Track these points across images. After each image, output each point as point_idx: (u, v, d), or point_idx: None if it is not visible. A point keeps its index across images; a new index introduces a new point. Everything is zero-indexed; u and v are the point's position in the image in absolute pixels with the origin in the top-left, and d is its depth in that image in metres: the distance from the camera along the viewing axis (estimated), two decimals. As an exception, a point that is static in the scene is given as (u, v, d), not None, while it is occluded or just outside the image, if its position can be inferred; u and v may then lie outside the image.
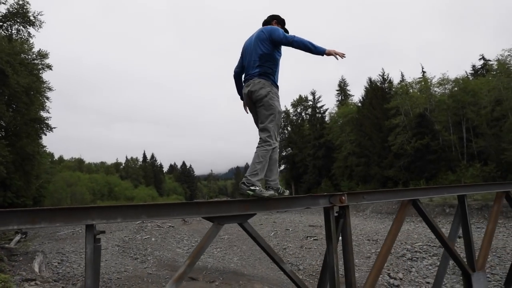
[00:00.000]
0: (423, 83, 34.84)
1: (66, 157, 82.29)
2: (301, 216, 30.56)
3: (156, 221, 27.91)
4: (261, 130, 3.46)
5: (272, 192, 3.10)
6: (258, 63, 3.49)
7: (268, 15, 3.98)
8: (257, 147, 3.40)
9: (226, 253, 14.80)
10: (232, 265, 12.50)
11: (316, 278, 9.97)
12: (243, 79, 3.76)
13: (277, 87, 3.62)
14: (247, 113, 3.87)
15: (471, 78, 34.64)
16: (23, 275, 8.32)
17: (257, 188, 3.02)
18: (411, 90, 35.59)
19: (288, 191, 3.69)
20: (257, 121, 3.67)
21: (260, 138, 3.44)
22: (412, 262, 11.73)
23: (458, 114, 31.06)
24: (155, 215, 2.25)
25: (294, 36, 3.39)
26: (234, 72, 3.90)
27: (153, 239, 19.80)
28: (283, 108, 54.70)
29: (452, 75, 34.24)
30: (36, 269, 9.14)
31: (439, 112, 32.19)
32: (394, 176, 31.90)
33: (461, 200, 3.68)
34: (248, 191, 2.99)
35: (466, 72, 37.69)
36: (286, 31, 3.89)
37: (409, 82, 36.18)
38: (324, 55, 3.34)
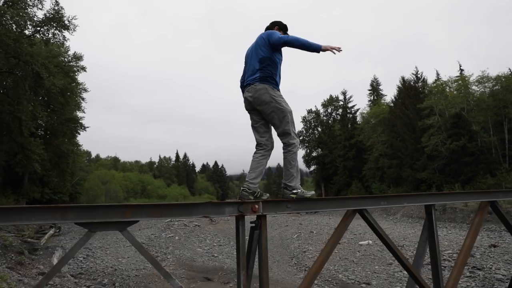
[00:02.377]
0: (460, 81, 33.00)
1: (103, 155, 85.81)
2: (329, 218, 29.94)
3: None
4: (281, 135, 3.48)
5: (312, 192, 3.28)
6: (258, 67, 3.49)
7: (271, 21, 3.98)
8: (284, 153, 3.45)
9: (245, 254, 14.66)
10: (248, 266, 12.33)
11: (332, 284, 9.59)
12: (244, 84, 3.73)
13: (279, 89, 3.60)
14: None
15: (514, 76, 32.39)
16: (41, 268, 8.61)
17: (299, 190, 3.22)
18: (447, 89, 33.85)
19: (313, 192, 3.57)
20: (254, 125, 3.65)
21: (283, 143, 3.47)
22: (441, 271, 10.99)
23: (500, 114, 29.17)
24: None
25: (289, 35, 3.41)
26: (240, 81, 3.87)
27: (176, 237, 20.05)
28: (313, 108, 54.89)
29: (493, 73, 32.10)
30: (55, 264, 9.41)
31: (477, 112, 30.37)
32: (428, 179, 30.44)
33: (429, 211, 3.23)
34: (291, 195, 3.19)
35: (509, 69, 35.31)
36: None
37: (444, 81, 34.39)
38: (321, 52, 3.31)
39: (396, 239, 16.65)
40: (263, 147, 3.55)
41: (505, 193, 3.76)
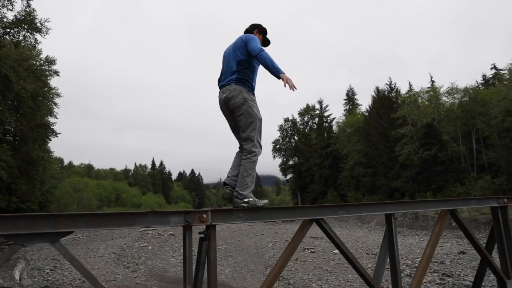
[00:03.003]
0: (431, 92, 34.19)
1: (77, 162, 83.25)
2: (305, 226, 29.99)
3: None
4: (244, 140, 3.40)
5: (265, 201, 3.21)
6: (235, 69, 3.44)
7: (250, 24, 3.94)
8: (243, 159, 3.34)
9: (220, 264, 14.42)
10: (222, 277, 12.14)
11: (305, 293, 9.56)
12: (220, 85, 3.66)
13: (254, 94, 3.55)
14: None
15: (481, 88, 33.86)
16: (0, 282, 8.14)
17: (250, 199, 3.14)
18: (419, 100, 34.96)
19: (266, 201, 3.50)
20: (233, 128, 3.62)
21: (244, 149, 3.38)
22: (410, 279, 11.19)
23: (468, 124, 30.31)
24: None
25: (263, 50, 3.33)
26: (218, 82, 3.78)
27: (150, 247, 19.58)
28: (290, 117, 55.36)
29: (461, 85, 33.47)
30: (17, 277, 8.95)
31: (447, 122, 31.50)
32: (401, 187, 31.17)
33: (389, 220, 3.23)
34: (242, 204, 3.10)
35: (476, 82, 36.96)
36: (268, 41, 3.91)
37: (417, 92, 35.52)
38: (280, 79, 3.23)
39: (370, 247, 16.86)
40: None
41: (464, 201, 3.82)
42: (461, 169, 29.09)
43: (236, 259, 15.57)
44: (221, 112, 3.68)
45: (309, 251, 16.05)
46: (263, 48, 3.38)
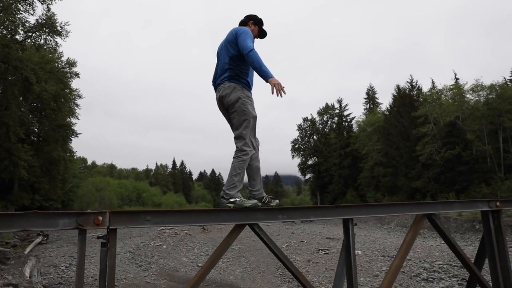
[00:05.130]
0: (455, 90, 32.92)
1: (101, 162, 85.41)
2: (323, 227, 29.57)
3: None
4: (236, 137, 3.26)
5: (254, 201, 3.05)
6: (227, 65, 3.29)
7: (245, 15, 3.72)
8: (234, 157, 3.20)
9: (231, 264, 14.31)
10: (231, 277, 11.99)
11: (313, 296, 9.27)
12: (215, 84, 3.52)
13: (249, 89, 3.38)
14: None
15: (510, 85, 32.33)
16: (9, 279, 8.30)
17: (237, 199, 3.00)
18: (442, 97, 33.75)
19: (277, 201, 3.40)
20: (231, 127, 3.46)
21: (236, 147, 3.23)
22: (427, 283, 10.72)
23: (494, 122, 29.01)
24: None
25: (252, 49, 3.10)
26: (212, 80, 3.62)
27: (164, 246, 19.67)
28: (309, 117, 54.76)
29: (487, 82, 32.04)
30: (27, 274, 9.10)
31: (472, 121, 30.23)
32: (422, 188, 30.16)
33: (346, 226, 2.84)
34: (228, 204, 2.95)
35: (504, 78, 35.30)
36: (264, 32, 3.69)
37: (439, 89, 34.33)
38: (267, 82, 3.02)
39: (387, 249, 16.33)
40: None
41: (444, 204, 3.33)
42: (487, 169, 27.86)
43: (248, 260, 15.40)
44: (220, 112, 3.56)
45: (323, 252, 15.70)
46: (253, 47, 3.15)
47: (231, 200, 2.99)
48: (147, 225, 2.22)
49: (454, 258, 13.39)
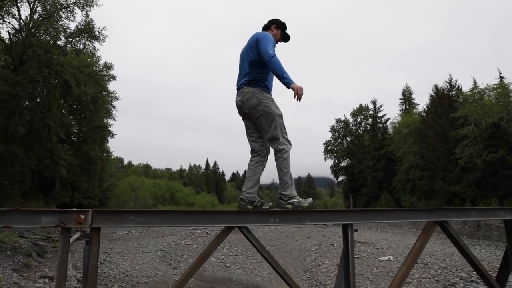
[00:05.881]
0: (499, 89, 31.01)
1: (136, 162, 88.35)
2: (355, 231, 28.85)
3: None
4: (269, 140, 3.30)
5: (310, 200, 3.10)
6: (247, 70, 3.33)
7: (268, 19, 3.75)
8: (275, 160, 3.26)
9: (259, 266, 14.25)
10: (258, 278, 11.93)
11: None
12: (237, 87, 3.57)
13: (269, 91, 3.41)
14: None
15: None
16: (45, 272, 8.70)
17: (295, 200, 3.06)
18: (485, 97, 31.90)
19: (270, 204, 3.39)
20: (248, 130, 3.51)
21: (274, 150, 3.29)
22: (463, 292, 10.16)
23: (543, 124, 27.07)
24: None
25: (274, 56, 3.13)
26: (236, 84, 3.66)
27: (194, 245, 19.97)
28: (342, 118, 53.75)
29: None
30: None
31: (518, 122, 28.36)
32: (462, 192, 28.64)
33: (345, 231, 2.75)
34: (287, 206, 3.03)
35: (554, 76, 32.82)
36: (287, 36, 3.70)
37: (482, 89, 32.47)
38: (289, 88, 3.09)
39: (422, 255, 15.63)
40: (258, 153, 3.42)
41: (459, 212, 3.03)
42: (534, 174, 26.01)
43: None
44: (239, 116, 3.60)
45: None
46: (274, 53, 3.17)
47: (290, 201, 3.05)
48: (130, 225, 2.18)
49: (494, 268, 12.58)
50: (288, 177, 3.17)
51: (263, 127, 3.28)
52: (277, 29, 3.62)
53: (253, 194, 3.30)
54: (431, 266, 13.25)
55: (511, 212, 2.90)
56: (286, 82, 3.08)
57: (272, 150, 3.39)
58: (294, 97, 3.04)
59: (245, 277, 12.13)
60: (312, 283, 11.14)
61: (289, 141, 3.31)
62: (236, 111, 3.53)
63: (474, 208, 3.05)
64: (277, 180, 3.33)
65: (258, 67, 3.29)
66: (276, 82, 3.44)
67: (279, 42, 3.64)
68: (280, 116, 3.29)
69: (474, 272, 12.16)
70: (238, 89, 3.43)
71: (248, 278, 11.93)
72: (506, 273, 3.09)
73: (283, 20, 3.68)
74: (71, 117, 28.21)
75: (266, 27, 3.67)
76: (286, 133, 3.32)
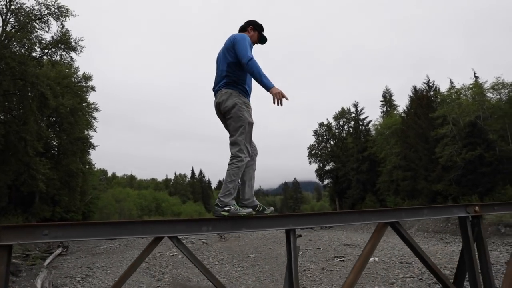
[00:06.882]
0: (474, 89, 31.84)
1: (121, 174, 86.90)
2: (342, 234, 28.97)
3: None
4: (231, 144, 3.21)
5: (249, 210, 2.95)
6: (225, 72, 3.26)
7: (245, 21, 3.72)
8: (228, 164, 3.16)
9: (245, 273, 14.10)
10: (243, 287, 11.78)
11: (325, 306, 8.97)
12: (214, 91, 3.50)
13: (247, 95, 3.34)
14: None
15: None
16: (20, 292, 8.37)
17: (232, 208, 2.92)
18: (462, 97, 32.69)
19: (272, 208, 3.32)
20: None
21: (231, 154, 3.19)
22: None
23: (518, 121, 27.87)
24: None
25: (251, 59, 3.06)
26: (213, 88, 3.58)
27: (179, 256, 19.61)
28: (325, 121, 54.22)
29: (508, 80, 30.86)
30: (39, 286, 9.17)
31: (494, 120, 29.13)
32: (444, 191, 29.17)
33: (288, 237, 2.65)
34: (222, 213, 2.88)
35: (526, 75, 33.95)
36: (264, 38, 3.65)
37: (458, 89, 33.30)
38: (269, 92, 3.03)
39: (406, 255, 15.76)
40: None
41: (410, 211, 2.93)
42: (512, 170, 26.70)
43: (262, 268, 15.16)
44: (218, 118, 3.52)
45: (339, 259, 15.29)
46: (252, 56, 3.12)
47: (226, 208, 2.91)
48: (45, 240, 2.04)
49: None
50: (232, 186, 3.08)
51: (230, 129, 3.25)
52: (254, 30, 3.58)
53: (251, 199, 3.27)
54: (415, 265, 13.34)
55: (465, 209, 2.88)
56: (265, 86, 3.02)
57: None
58: (274, 102, 2.97)
59: (230, 286, 11.96)
60: (298, 288, 11.07)
61: (249, 152, 3.24)
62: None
63: (426, 207, 2.98)
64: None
65: (236, 69, 3.25)
66: (258, 86, 3.41)
67: (255, 44, 3.61)
68: (250, 124, 3.24)
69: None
70: (216, 91, 3.37)
71: (232, 287, 11.78)
72: (463, 273, 3.05)
73: (260, 22, 3.63)
74: (49, 130, 27.55)
75: (242, 29, 3.62)
76: (249, 144, 3.26)
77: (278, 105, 2.97)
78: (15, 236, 1.96)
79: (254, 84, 3.34)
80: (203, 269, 2.49)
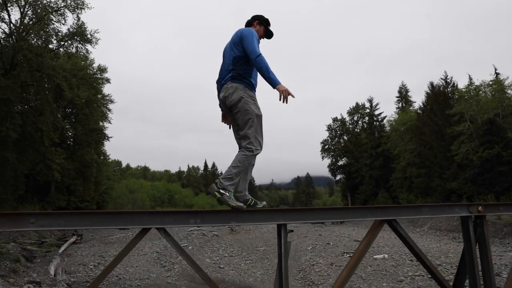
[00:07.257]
0: (494, 85, 30.95)
1: (135, 165, 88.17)
2: (353, 229, 28.80)
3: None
4: (242, 137, 3.22)
5: (240, 204, 2.87)
6: (231, 66, 3.28)
7: (252, 15, 3.71)
8: (238, 153, 3.18)
9: (253, 266, 14.18)
10: (251, 279, 11.85)
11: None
12: (219, 85, 3.53)
13: (253, 89, 3.34)
14: (226, 123, 3.67)
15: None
16: (33, 277, 8.61)
17: (226, 193, 2.90)
18: (481, 94, 31.83)
19: (264, 203, 3.32)
20: (235, 127, 3.45)
21: (242, 147, 3.21)
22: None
23: (539, 119, 27.04)
24: None
25: (260, 55, 3.09)
26: (217, 81, 3.61)
27: (190, 247, 19.87)
28: (339, 116, 53.65)
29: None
30: (52, 272, 9.43)
31: (514, 118, 28.33)
32: (458, 189, 28.60)
33: (279, 232, 2.61)
34: (216, 192, 2.89)
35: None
36: (270, 32, 3.66)
37: (477, 85, 32.42)
38: (275, 89, 3.05)
39: (399, 249, 15.59)
40: None
41: (409, 209, 2.87)
42: (531, 169, 25.96)
43: (271, 262, 15.20)
44: (226, 117, 3.59)
45: (348, 255, 15.21)
46: (260, 52, 3.13)
47: (221, 191, 2.91)
48: (31, 228, 2.04)
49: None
50: (235, 171, 3.04)
51: (239, 123, 3.24)
52: (260, 25, 3.59)
53: (244, 192, 3.24)
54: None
55: (467, 209, 2.79)
56: (272, 82, 3.05)
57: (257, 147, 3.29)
58: (280, 99, 3.01)
59: (238, 278, 12.06)
60: (305, 283, 11.06)
61: (260, 145, 3.23)
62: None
63: (426, 205, 2.90)
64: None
65: (242, 63, 3.25)
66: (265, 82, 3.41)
67: (262, 39, 3.61)
68: (259, 116, 3.23)
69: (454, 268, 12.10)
70: (221, 85, 3.38)
71: (240, 279, 11.86)
72: (464, 275, 2.96)
73: (266, 17, 3.63)
74: (65, 121, 28.08)
75: (249, 23, 3.63)
76: (260, 136, 3.25)
77: (283, 102, 3.01)
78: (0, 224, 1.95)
79: (260, 79, 3.34)
80: (190, 262, 2.49)
